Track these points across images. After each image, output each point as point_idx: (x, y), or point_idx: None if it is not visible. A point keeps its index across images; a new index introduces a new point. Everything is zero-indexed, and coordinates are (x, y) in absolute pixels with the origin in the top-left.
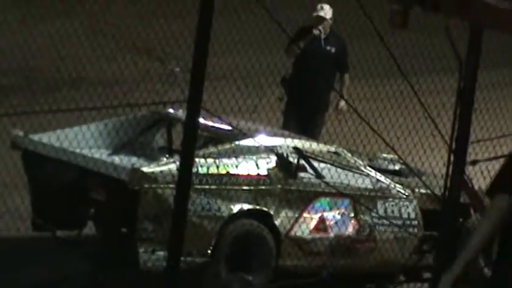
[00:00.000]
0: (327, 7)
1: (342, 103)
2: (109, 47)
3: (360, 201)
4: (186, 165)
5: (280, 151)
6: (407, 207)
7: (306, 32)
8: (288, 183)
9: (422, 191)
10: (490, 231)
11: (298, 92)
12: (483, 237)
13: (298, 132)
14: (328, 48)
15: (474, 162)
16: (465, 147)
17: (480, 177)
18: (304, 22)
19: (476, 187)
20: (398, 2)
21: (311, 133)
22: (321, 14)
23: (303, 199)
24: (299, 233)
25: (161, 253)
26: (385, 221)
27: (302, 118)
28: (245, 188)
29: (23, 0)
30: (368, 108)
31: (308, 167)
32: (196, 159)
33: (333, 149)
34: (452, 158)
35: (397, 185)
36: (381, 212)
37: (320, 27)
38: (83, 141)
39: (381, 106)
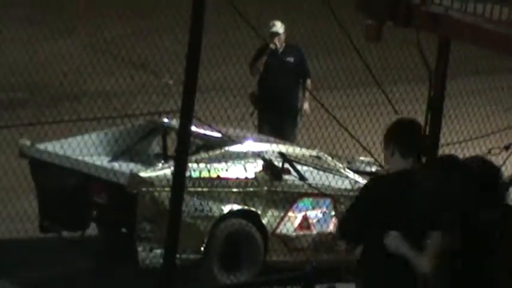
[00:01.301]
0: (278, 23)
1: (305, 106)
2: (107, 63)
3: (340, 200)
4: (180, 170)
5: (266, 156)
6: None
7: (264, 50)
8: (274, 185)
9: None
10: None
11: (266, 104)
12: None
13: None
14: (287, 59)
15: None
16: (436, 149)
17: None
18: (261, 42)
19: None
20: (372, 17)
21: (286, 139)
22: (274, 30)
23: (288, 199)
24: (284, 231)
25: (158, 251)
26: None
27: (275, 127)
28: (234, 190)
29: (29, 21)
30: (346, 116)
31: (292, 170)
32: (189, 164)
33: (314, 153)
34: (423, 160)
35: None
36: None
37: (276, 42)
38: (85, 149)
39: (358, 113)
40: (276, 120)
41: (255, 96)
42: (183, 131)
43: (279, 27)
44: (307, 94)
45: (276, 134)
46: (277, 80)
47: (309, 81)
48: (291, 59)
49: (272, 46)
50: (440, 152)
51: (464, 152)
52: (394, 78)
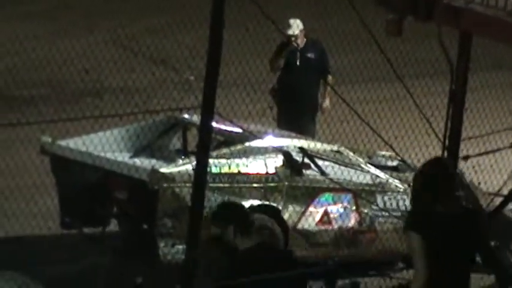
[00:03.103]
0: (294, 24)
1: (326, 103)
2: (128, 59)
3: (361, 195)
4: (201, 165)
5: (286, 151)
6: (405, 200)
7: (284, 46)
8: (295, 180)
9: None
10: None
11: (286, 101)
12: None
13: None
14: (308, 55)
15: (466, 158)
16: (457, 144)
17: (472, 171)
18: (281, 38)
19: (468, 180)
20: (393, 11)
21: (305, 135)
22: (290, 32)
23: (309, 194)
24: (305, 226)
25: (180, 247)
26: (384, 213)
27: (294, 123)
28: (255, 185)
29: (50, 18)
30: (368, 110)
31: (312, 165)
32: (210, 160)
33: (335, 148)
34: (445, 154)
35: (394, 180)
36: (381, 205)
37: (295, 42)
38: (106, 145)
39: (379, 108)
40: (295, 117)
41: (276, 90)
42: (204, 127)
43: (295, 28)
44: (327, 90)
45: (294, 130)
46: (298, 76)
47: (329, 77)
48: (311, 55)
49: (292, 46)
50: (462, 146)
51: (486, 145)
52: (415, 72)
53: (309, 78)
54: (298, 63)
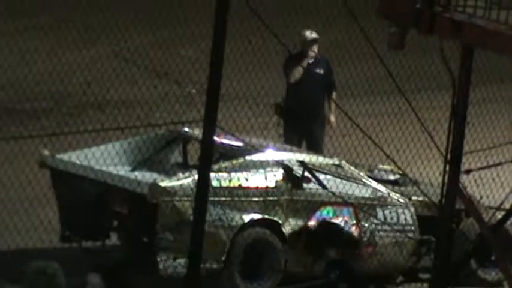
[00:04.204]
0: (312, 34)
1: (333, 118)
2: (131, 72)
3: (361, 209)
4: (204, 179)
5: (286, 165)
6: (405, 213)
7: (299, 56)
8: (295, 194)
9: (419, 198)
10: None
11: (295, 115)
12: None
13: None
14: (317, 70)
15: (468, 171)
16: (459, 157)
17: (474, 185)
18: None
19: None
20: (396, 25)
21: (315, 149)
22: (310, 36)
23: (309, 208)
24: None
25: (182, 260)
26: (384, 227)
27: (303, 138)
28: (255, 199)
29: (52, 31)
30: (369, 124)
31: (312, 179)
32: (211, 174)
33: (335, 161)
34: (447, 168)
35: (394, 194)
36: (381, 218)
37: (314, 48)
38: (108, 158)
39: (381, 121)
40: (305, 131)
41: (281, 107)
42: (207, 140)
43: (314, 35)
44: (333, 106)
45: (304, 145)
46: (306, 90)
47: (334, 93)
48: (320, 71)
49: (309, 59)
50: (464, 160)
51: (488, 159)
52: (417, 86)
53: (317, 92)
54: (306, 77)
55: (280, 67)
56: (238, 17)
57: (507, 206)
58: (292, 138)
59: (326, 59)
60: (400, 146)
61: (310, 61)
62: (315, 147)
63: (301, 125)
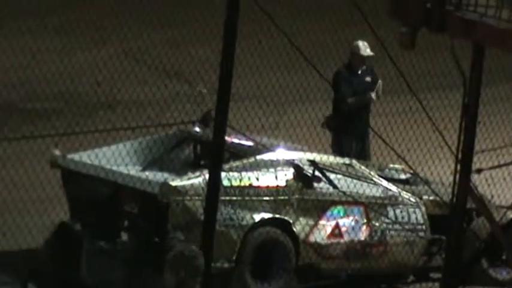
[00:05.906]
0: (367, 49)
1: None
2: (141, 72)
3: (372, 208)
4: (215, 178)
5: (297, 164)
6: (415, 212)
7: (350, 71)
8: (305, 193)
9: (430, 197)
10: None
11: (349, 125)
12: None
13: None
14: (367, 79)
15: (479, 171)
16: (470, 157)
17: (485, 184)
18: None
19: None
20: (406, 24)
21: (367, 158)
22: (365, 53)
23: (319, 207)
24: (316, 239)
25: None
26: (395, 226)
27: (357, 147)
28: (266, 198)
29: (63, 30)
30: (381, 123)
31: (323, 178)
32: (222, 173)
33: (346, 160)
34: (458, 167)
35: (405, 193)
36: (392, 217)
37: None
38: (119, 158)
39: (392, 120)
40: (359, 140)
41: (332, 119)
42: (217, 140)
43: (367, 47)
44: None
45: (357, 154)
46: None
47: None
48: (368, 79)
49: (364, 67)
50: (475, 159)
51: (499, 159)
52: (428, 85)
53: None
54: (358, 86)
55: (290, 66)
56: (248, 16)
57: None
58: (347, 147)
59: (373, 67)
60: (411, 145)
61: (360, 71)
62: (366, 157)
63: (355, 136)
